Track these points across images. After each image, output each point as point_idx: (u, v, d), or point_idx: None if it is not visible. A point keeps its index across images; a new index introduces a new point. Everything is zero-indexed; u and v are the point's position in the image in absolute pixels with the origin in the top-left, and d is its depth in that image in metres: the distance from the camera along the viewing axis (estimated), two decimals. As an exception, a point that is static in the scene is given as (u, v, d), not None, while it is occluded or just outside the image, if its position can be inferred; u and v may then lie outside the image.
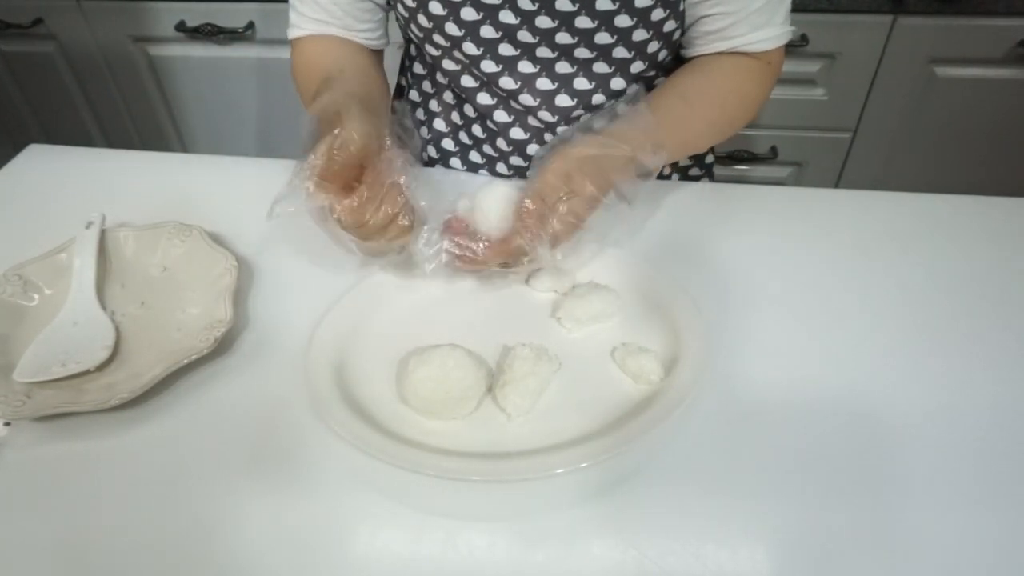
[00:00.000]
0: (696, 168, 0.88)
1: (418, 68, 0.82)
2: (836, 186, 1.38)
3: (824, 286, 0.64)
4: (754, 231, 0.70)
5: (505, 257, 0.60)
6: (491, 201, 0.60)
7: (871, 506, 0.48)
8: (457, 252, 0.59)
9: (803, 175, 1.39)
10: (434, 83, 0.80)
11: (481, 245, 0.59)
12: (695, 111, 0.70)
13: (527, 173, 0.62)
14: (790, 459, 0.50)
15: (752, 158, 1.36)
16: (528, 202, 0.58)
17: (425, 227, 0.60)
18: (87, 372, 0.56)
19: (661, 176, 0.85)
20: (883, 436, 0.52)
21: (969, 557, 0.45)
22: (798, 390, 0.55)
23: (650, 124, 0.64)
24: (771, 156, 1.35)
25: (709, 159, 0.89)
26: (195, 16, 1.31)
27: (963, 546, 0.46)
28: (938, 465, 0.50)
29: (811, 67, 1.23)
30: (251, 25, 1.31)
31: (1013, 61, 1.17)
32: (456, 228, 0.60)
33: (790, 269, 0.65)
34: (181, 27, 1.31)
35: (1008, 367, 0.57)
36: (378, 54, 0.80)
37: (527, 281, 0.64)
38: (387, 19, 0.79)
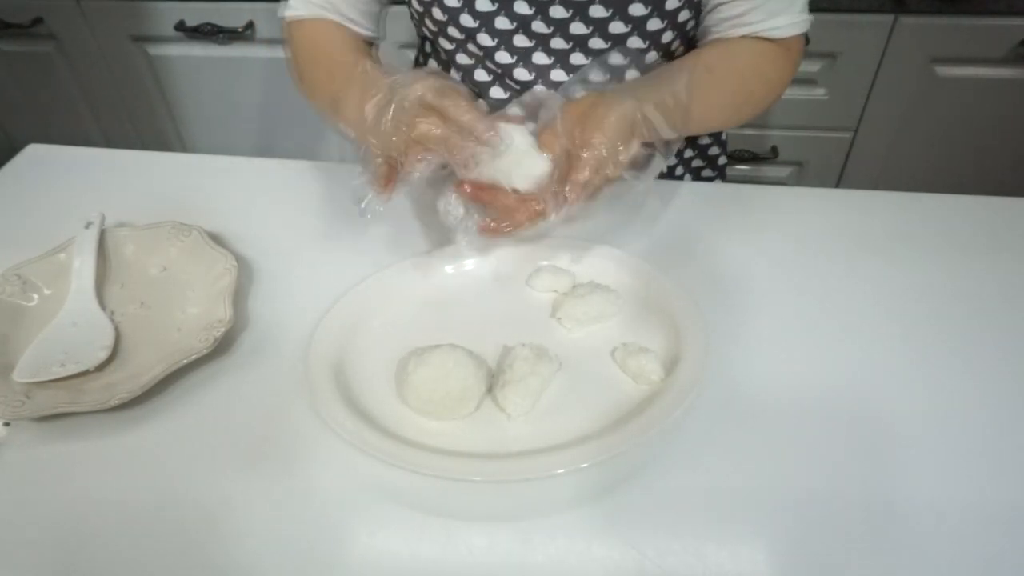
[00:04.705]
0: (709, 169, 0.88)
1: (432, 65, 0.82)
2: (836, 186, 1.38)
3: (824, 286, 0.64)
4: (754, 231, 0.70)
5: (531, 222, 0.57)
6: (519, 154, 0.56)
7: (871, 507, 0.48)
8: (493, 227, 0.58)
9: (803, 175, 1.39)
10: None
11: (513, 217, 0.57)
12: (718, 84, 0.69)
13: (560, 89, 0.59)
14: (790, 459, 0.50)
15: (753, 158, 1.36)
16: (584, 171, 0.54)
17: (443, 196, 0.57)
18: (87, 372, 0.56)
19: (673, 176, 0.85)
20: (884, 436, 0.52)
21: (970, 558, 0.45)
22: (798, 390, 0.55)
23: (685, 102, 0.60)
24: (771, 156, 1.35)
25: (722, 160, 0.89)
26: (195, 16, 1.30)
27: (964, 547, 0.46)
28: (939, 465, 0.50)
29: (811, 67, 1.23)
30: (251, 25, 1.30)
31: (1014, 61, 1.17)
32: (474, 193, 0.57)
33: (790, 269, 0.65)
34: (181, 27, 1.31)
35: (1009, 367, 0.56)
36: (373, 47, 0.80)
37: (527, 281, 0.64)
38: (383, 15, 0.79)
